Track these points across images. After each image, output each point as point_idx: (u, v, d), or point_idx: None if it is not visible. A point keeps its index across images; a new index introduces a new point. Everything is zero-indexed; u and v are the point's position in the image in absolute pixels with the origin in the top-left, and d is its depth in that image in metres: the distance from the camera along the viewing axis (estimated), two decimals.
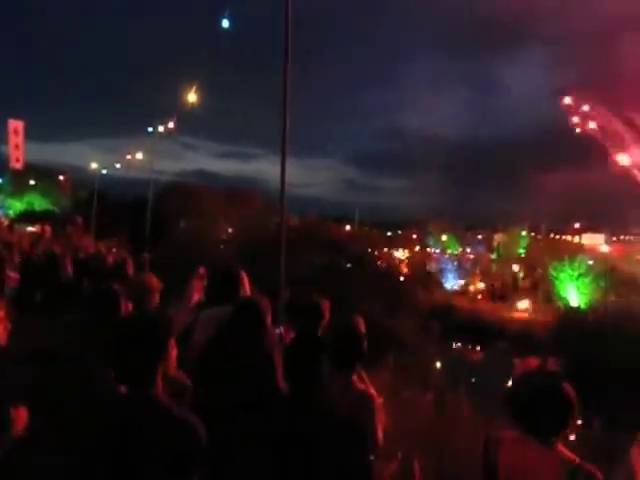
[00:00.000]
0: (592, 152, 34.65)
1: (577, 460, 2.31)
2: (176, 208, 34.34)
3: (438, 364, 20.27)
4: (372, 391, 3.71)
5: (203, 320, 3.93)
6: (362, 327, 3.89)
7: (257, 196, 38.13)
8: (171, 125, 24.18)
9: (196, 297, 4.68)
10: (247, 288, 4.11)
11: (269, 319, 3.51)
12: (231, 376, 3.16)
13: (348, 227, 41.87)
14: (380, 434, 3.61)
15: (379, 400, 3.84)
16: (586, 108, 34.08)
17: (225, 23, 11.90)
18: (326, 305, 4.24)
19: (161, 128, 25.69)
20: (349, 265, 23.40)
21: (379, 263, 28.56)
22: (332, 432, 3.27)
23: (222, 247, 25.42)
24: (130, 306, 3.40)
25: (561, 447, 2.35)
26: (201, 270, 4.77)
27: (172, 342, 2.27)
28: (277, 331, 3.96)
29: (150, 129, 27.83)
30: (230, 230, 32.99)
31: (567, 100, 34.62)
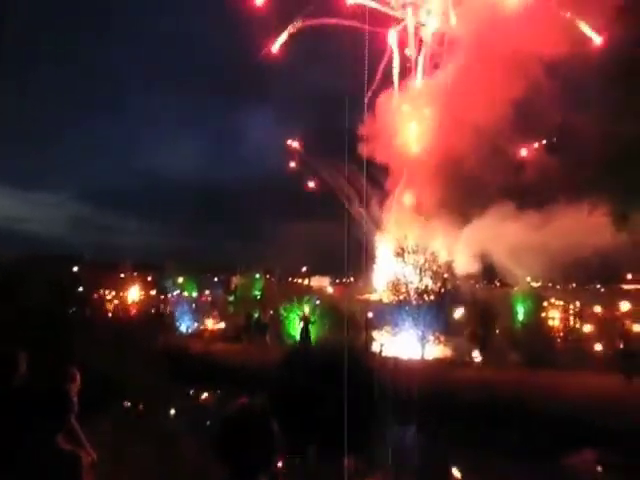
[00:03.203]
0: (321, 204, 38.47)
1: None
2: None
3: (172, 411, 19.57)
4: (82, 450, 3.51)
5: None
6: (73, 380, 3.73)
7: None
8: None
9: None
10: None
11: None
12: None
13: (76, 268, 38.49)
14: None
15: (88, 459, 3.65)
16: (315, 164, 37.99)
17: None
18: (22, 356, 3.73)
19: None
20: (73, 309, 21.49)
21: (108, 306, 26.91)
22: None
23: None
24: None
25: None
26: None
27: None
28: None
29: None
30: None
31: (298, 155, 38.20)
